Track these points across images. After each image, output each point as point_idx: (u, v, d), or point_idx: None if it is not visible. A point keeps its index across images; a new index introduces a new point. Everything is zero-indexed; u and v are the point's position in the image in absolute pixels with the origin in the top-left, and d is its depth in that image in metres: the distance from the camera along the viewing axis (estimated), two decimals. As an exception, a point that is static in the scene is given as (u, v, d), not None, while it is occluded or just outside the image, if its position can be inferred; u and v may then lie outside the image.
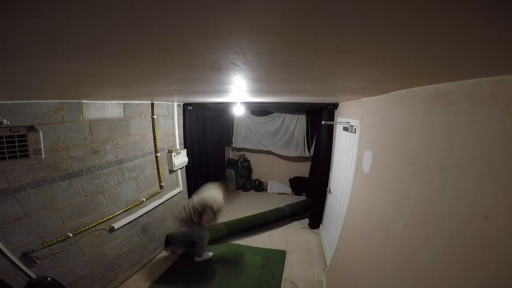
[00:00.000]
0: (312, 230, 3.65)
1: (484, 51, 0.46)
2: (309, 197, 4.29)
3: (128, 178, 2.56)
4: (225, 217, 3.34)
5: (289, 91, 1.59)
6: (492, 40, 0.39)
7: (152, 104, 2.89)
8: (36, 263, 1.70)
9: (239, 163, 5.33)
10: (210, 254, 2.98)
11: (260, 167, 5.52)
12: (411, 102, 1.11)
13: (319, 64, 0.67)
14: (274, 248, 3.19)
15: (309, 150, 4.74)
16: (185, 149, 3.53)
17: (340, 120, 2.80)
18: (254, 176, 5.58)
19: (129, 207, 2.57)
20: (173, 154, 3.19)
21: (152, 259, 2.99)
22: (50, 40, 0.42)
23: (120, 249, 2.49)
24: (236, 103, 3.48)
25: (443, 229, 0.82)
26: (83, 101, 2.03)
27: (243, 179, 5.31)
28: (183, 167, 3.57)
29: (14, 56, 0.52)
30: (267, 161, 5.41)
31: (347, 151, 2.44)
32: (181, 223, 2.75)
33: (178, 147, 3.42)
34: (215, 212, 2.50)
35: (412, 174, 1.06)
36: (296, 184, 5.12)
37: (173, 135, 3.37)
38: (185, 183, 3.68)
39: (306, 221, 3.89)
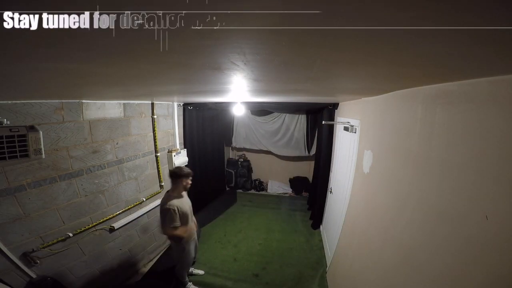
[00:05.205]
0: (314, 230, 3.64)
1: (484, 51, 0.46)
2: (312, 197, 4.21)
3: (128, 178, 2.56)
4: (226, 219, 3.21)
5: (289, 91, 1.59)
6: (493, 40, 0.39)
7: (152, 104, 2.89)
8: (36, 263, 1.70)
9: (239, 163, 5.33)
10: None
11: (260, 167, 5.52)
12: (412, 102, 1.11)
13: (320, 64, 0.67)
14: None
15: (309, 150, 4.74)
16: (185, 149, 3.53)
17: (340, 120, 2.80)
18: (254, 176, 5.58)
19: (129, 207, 2.57)
20: (173, 154, 3.19)
21: (152, 259, 2.99)
22: (50, 40, 0.42)
23: (120, 249, 2.49)
24: (236, 103, 3.47)
25: (443, 228, 0.82)
26: (83, 101, 2.03)
27: (243, 179, 5.32)
28: (183, 167, 3.56)
29: (14, 56, 0.52)
30: (267, 161, 5.41)
31: (348, 151, 2.43)
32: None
33: (178, 147, 3.42)
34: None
35: (412, 174, 1.06)
36: (296, 183, 5.12)
37: (173, 135, 3.37)
38: (185, 183, 3.68)
39: (306, 222, 3.89)
